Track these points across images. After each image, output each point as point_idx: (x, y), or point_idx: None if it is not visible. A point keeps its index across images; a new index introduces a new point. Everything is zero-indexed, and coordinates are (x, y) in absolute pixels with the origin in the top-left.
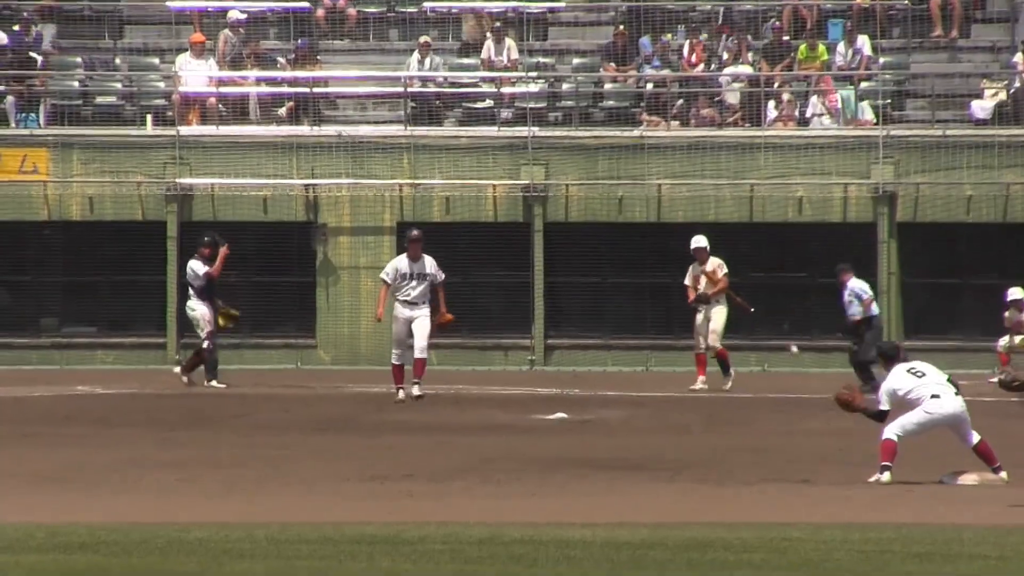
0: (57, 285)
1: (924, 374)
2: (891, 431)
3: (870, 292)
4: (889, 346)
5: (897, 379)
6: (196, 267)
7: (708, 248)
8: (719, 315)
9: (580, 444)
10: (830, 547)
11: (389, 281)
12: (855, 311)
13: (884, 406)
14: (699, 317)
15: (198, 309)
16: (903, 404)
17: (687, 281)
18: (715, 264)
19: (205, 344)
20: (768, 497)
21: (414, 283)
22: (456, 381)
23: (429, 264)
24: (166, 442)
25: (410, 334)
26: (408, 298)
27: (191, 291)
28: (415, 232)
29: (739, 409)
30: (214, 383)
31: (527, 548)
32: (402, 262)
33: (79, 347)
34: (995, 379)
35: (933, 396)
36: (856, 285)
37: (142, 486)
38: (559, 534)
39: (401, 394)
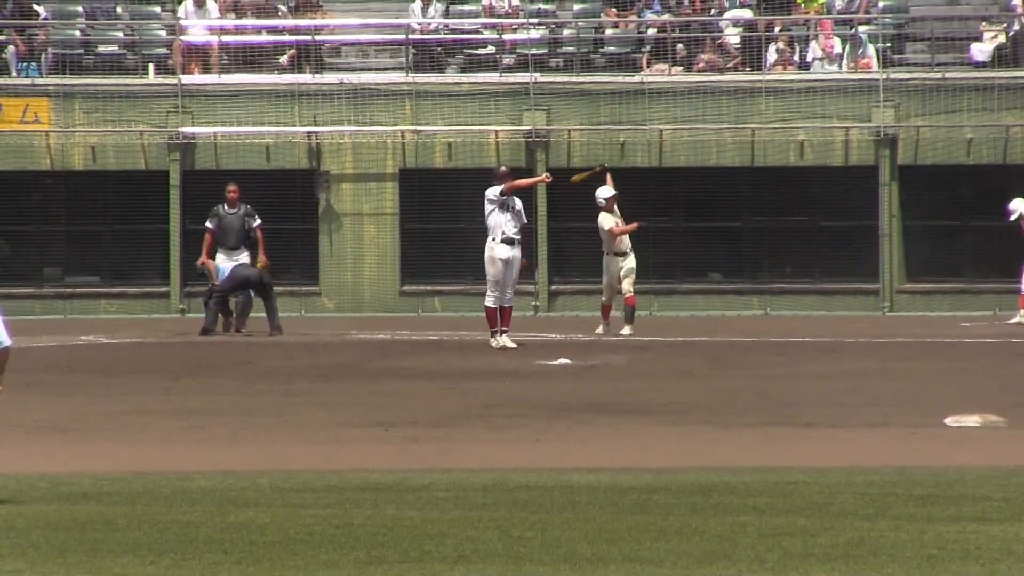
0: (60, 235)
1: None
2: None
3: None
4: None
5: None
6: None
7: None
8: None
9: (584, 389)
10: (833, 490)
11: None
12: None
13: None
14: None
15: None
16: None
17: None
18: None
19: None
20: (772, 440)
21: (509, 215)
22: (460, 327)
23: (519, 203)
24: (170, 391)
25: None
26: (509, 233)
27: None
28: (501, 168)
29: (742, 353)
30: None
31: (531, 494)
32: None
33: (82, 296)
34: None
35: None
36: None
37: (146, 435)
38: (563, 479)
39: (504, 340)
